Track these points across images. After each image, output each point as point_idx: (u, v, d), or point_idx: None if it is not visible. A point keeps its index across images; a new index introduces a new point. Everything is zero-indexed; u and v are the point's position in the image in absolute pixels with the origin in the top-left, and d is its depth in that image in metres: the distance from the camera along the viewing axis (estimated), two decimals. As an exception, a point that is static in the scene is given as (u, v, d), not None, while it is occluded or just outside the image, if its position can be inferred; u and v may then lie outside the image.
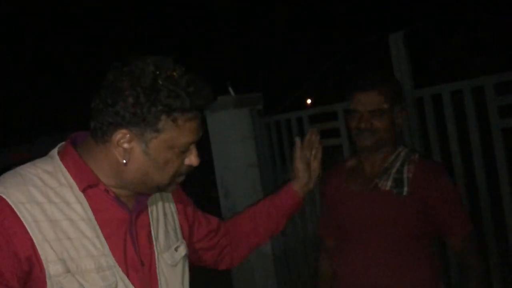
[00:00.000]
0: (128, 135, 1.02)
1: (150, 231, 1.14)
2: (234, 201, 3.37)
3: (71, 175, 1.04)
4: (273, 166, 3.31)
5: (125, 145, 1.03)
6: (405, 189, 1.65)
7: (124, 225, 1.08)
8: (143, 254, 1.10)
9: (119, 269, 1.04)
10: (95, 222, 1.03)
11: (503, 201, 2.11)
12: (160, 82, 0.99)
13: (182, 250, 1.20)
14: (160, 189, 1.11)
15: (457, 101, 2.24)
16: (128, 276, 1.05)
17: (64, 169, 1.05)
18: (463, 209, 1.74)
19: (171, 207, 1.25)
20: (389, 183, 1.68)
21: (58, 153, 1.08)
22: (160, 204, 1.21)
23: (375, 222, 1.69)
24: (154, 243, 1.14)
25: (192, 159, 1.09)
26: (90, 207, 1.04)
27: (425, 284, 1.67)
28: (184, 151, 1.07)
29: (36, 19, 13.23)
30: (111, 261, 1.04)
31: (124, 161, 1.04)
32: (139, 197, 1.12)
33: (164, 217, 1.20)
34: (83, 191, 1.04)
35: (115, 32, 13.73)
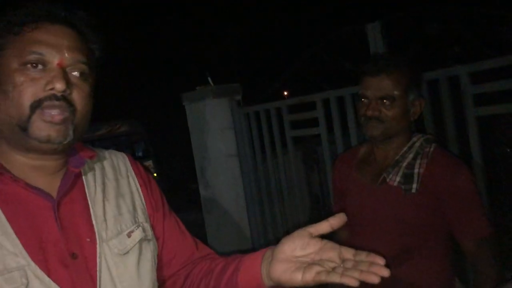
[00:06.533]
0: None
1: (89, 217, 0.99)
2: (214, 192, 3.37)
3: None
4: (252, 156, 3.32)
5: None
6: (414, 186, 1.51)
7: (45, 214, 0.93)
8: (77, 245, 0.94)
9: (36, 267, 0.89)
10: (3, 218, 0.90)
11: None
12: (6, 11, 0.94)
13: (138, 235, 1.03)
14: (23, 128, 0.91)
15: (434, 90, 2.28)
16: (49, 274, 0.89)
17: None
18: (481, 211, 1.53)
19: (131, 186, 1.10)
20: (398, 179, 1.54)
21: None
22: (112, 183, 1.07)
23: (380, 218, 1.57)
24: (96, 230, 0.98)
25: (53, 82, 0.90)
26: None
27: (435, 284, 1.55)
28: (37, 70, 0.91)
29: None
30: (23, 259, 0.88)
31: None
32: (64, 179, 0.98)
33: (116, 198, 1.05)
34: None
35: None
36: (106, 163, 1.10)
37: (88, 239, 0.96)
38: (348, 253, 0.89)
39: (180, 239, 1.19)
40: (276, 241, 2.96)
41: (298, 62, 3.21)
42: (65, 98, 0.92)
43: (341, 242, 1.74)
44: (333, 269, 0.88)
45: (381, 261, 0.85)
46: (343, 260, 0.88)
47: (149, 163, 11.62)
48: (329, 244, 0.91)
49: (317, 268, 0.89)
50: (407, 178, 1.53)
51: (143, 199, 1.12)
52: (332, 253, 0.90)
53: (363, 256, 0.87)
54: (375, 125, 1.55)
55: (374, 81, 1.55)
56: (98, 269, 0.95)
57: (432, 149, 1.57)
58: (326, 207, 3.72)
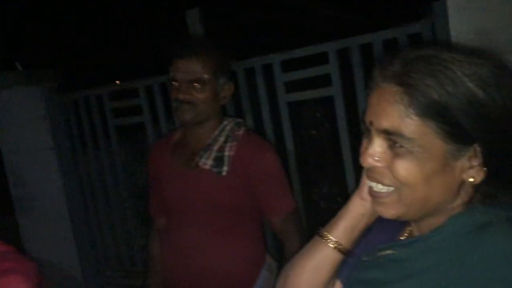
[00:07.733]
0: None
1: None
2: (29, 190, 3.05)
3: None
4: (72, 148, 3.09)
5: None
6: (225, 168, 1.55)
7: None
8: None
9: None
10: None
11: (289, 170, 2.33)
12: None
13: None
14: None
15: (250, 78, 2.40)
16: None
17: None
18: (286, 188, 1.64)
19: None
20: (210, 162, 1.57)
21: None
22: None
23: (196, 202, 1.59)
24: None
25: None
26: None
27: (248, 261, 1.63)
28: None
29: None
30: None
31: None
32: None
33: None
34: None
35: None
36: None
37: None
38: None
39: None
40: (101, 239, 2.72)
41: (120, 48, 3.08)
42: None
43: (159, 230, 1.75)
44: None
45: None
46: None
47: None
48: None
49: None
50: (218, 161, 1.56)
51: None
52: None
53: None
54: (187, 109, 1.54)
55: (183, 63, 1.54)
56: None
57: (241, 132, 1.62)
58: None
